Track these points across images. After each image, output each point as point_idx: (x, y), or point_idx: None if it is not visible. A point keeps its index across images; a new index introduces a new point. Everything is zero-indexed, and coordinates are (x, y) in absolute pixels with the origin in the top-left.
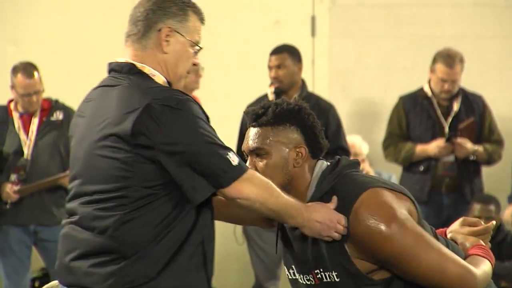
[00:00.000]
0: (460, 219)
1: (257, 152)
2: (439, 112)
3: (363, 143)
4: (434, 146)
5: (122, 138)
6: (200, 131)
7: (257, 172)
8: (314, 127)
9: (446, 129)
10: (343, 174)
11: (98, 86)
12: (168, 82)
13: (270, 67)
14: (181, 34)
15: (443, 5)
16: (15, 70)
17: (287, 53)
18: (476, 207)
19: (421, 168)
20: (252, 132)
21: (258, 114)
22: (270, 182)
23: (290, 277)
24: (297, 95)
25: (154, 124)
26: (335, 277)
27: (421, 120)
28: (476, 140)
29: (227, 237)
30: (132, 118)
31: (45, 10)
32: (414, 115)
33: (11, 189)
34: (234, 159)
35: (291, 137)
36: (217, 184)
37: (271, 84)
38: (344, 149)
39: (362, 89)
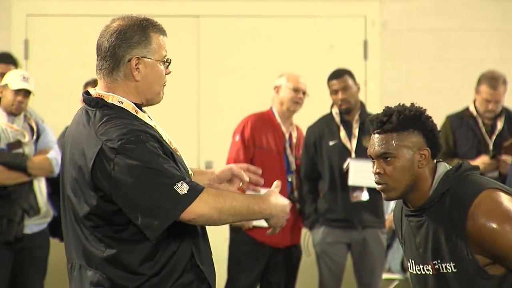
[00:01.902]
0: None
1: (385, 156)
2: (483, 130)
3: None
4: (479, 163)
5: (86, 180)
6: (145, 170)
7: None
8: (434, 130)
9: (491, 147)
10: (464, 175)
11: (75, 117)
12: (138, 105)
13: (335, 91)
14: (149, 58)
15: (488, 29)
16: (86, 84)
17: (347, 76)
18: None
19: None
20: (378, 138)
21: (382, 122)
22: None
23: (409, 270)
24: (358, 115)
25: (106, 166)
26: (452, 268)
27: (467, 138)
28: None
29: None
30: (90, 162)
31: None
32: (461, 134)
33: None
34: (183, 188)
35: (415, 141)
36: (170, 217)
37: (334, 105)
38: None
39: None
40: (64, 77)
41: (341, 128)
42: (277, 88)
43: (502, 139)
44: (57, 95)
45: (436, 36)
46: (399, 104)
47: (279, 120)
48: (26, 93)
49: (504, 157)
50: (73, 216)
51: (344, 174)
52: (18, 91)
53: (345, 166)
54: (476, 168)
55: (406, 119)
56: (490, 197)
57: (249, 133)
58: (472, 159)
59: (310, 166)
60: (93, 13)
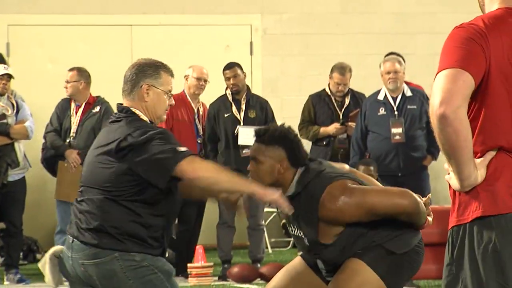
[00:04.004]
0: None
1: (254, 159)
2: (336, 105)
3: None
4: (332, 128)
5: (111, 155)
6: (156, 146)
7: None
8: (295, 148)
9: (341, 117)
10: (311, 178)
11: (111, 119)
12: (150, 120)
13: (228, 78)
14: (156, 87)
15: (339, 33)
16: (69, 70)
17: (237, 67)
18: (361, 168)
19: (324, 142)
20: (255, 145)
21: (260, 134)
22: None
23: (290, 232)
24: (244, 95)
25: (130, 145)
26: (302, 234)
27: (324, 111)
28: None
29: None
30: (117, 141)
31: (73, 39)
32: (319, 107)
33: (75, 158)
34: (182, 148)
35: (278, 154)
36: (171, 166)
37: (227, 88)
38: None
39: (285, 91)
40: (36, 69)
41: (233, 105)
42: (186, 77)
43: (349, 111)
44: (32, 81)
45: (301, 39)
46: (277, 122)
47: (189, 99)
48: (8, 77)
49: (350, 123)
50: (95, 183)
51: (235, 137)
52: (1, 76)
53: (236, 131)
54: (318, 162)
55: (274, 138)
56: (330, 192)
57: (168, 110)
58: (327, 125)
59: (211, 132)
60: (56, 23)
